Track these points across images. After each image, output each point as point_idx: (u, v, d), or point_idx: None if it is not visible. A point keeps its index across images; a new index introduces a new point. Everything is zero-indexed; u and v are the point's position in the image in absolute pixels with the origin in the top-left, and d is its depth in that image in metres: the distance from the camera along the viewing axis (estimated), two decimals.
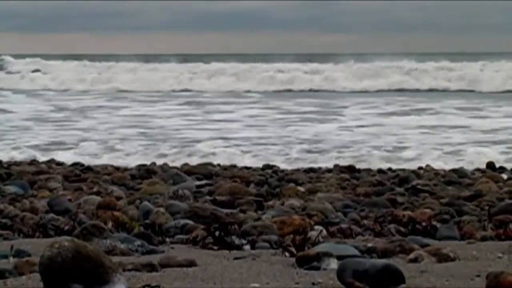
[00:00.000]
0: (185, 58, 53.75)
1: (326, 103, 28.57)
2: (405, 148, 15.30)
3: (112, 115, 23.93)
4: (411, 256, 5.15)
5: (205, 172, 11.62)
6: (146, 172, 11.54)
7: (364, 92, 35.89)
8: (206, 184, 10.22)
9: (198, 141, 16.38)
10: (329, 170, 12.39)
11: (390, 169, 12.62)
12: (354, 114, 23.54)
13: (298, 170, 12.45)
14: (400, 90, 35.58)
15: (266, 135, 17.98)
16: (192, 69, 44.53)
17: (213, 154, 14.43)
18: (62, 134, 18.53)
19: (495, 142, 15.82)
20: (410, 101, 28.89)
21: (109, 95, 34.61)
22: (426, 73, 40.31)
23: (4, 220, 7.26)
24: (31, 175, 11.07)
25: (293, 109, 26.09)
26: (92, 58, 53.67)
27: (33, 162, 13.51)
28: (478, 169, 12.66)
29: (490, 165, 12.97)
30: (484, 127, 19.07)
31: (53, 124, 21.22)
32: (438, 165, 12.98)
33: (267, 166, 12.88)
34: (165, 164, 13.02)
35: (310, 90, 37.33)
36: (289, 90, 37.27)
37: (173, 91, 37.82)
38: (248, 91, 36.28)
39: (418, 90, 35.85)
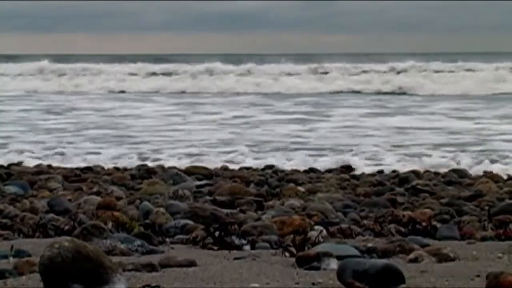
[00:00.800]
0: (185, 58, 53.75)
1: (320, 103, 28.72)
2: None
3: (92, 116, 23.94)
4: (411, 256, 5.16)
5: (205, 172, 11.62)
6: (146, 172, 11.54)
7: (363, 93, 35.74)
8: (206, 184, 10.22)
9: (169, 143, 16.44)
10: (329, 170, 12.39)
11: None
12: (343, 115, 23.53)
13: (298, 170, 12.44)
14: (392, 93, 35.31)
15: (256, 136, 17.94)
16: (191, 69, 44.51)
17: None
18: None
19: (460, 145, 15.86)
20: (402, 102, 28.96)
21: (104, 96, 34.64)
22: (425, 74, 40.21)
23: (4, 220, 7.26)
24: (31, 175, 11.08)
25: (285, 110, 26.16)
26: (92, 58, 53.63)
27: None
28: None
29: None
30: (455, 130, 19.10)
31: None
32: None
33: (267, 166, 12.88)
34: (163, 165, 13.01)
35: (313, 92, 37.16)
36: (287, 91, 37.06)
37: (171, 92, 37.64)
38: (245, 92, 36.19)
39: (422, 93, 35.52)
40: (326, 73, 41.89)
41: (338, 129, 19.24)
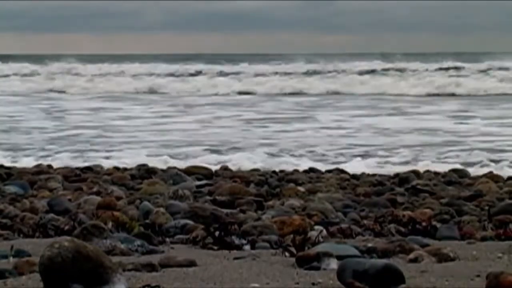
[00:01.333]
0: (185, 58, 53.74)
1: (310, 104, 28.78)
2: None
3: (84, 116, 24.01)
4: (411, 256, 5.16)
5: (205, 172, 11.62)
6: (146, 172, 11.54)
7: (358, 94, 35.49)
8: (206, 184, 10.21)
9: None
10: (329, 170, 12.40)
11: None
12: (330, 116, 23.55)
13: (297, 170, 12.45)
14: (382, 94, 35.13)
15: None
16: (191, 70, 44.50)
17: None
18: None
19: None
20: (396, 103, 28.97)
21: (103, 96, 34.64)
22: (423, 75, 40.12)
23: (4, 220, 7.26)
24: (31, 175, 11.07)
25: (274, 110, 26.23)
26: (91, 58, 53.62)
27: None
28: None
29: None
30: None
31: None
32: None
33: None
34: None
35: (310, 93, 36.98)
36: (285, 91, 36.90)
37: (170, 92, 37.49)
38: (243, 93, 36.12)
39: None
40: (324, 73, 41.84)
41: (320, 130, 19.30)
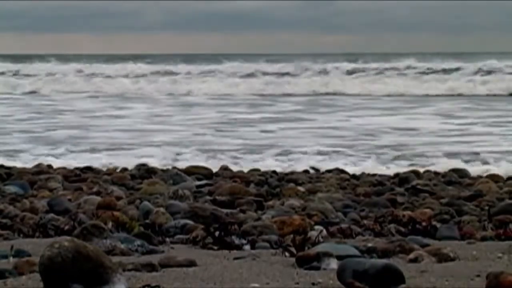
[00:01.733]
0: (184, 58, 53.70)
1: (307, 104, 28.77)
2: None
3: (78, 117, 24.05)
4: (411, 256, 5.16)
5: (205, 172, 11.63)
6: (146, 172, 11.54)
7: (356, 95, 35.34)
8: (206, 184, 10.22)
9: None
10: (329, 170, 12.40)
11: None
12: (323, 117, 23.55)
13: (297, 170, 12.45)
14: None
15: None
16: (191, 70, 44.44)
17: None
18: None
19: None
20: (391, 103, 28.93)
21: (101, 97, 34.64)
22: (422, 75, 40.03)
23: (4, 220, 7.26)
24: (31, 175, 11.07)
25: (272, 110, 26.22)
26: (92, 58, 53.59)
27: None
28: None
29: None
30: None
31: None
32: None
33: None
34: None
35: (311, 93, 36.83)
36: (283, 92, 36.79)
37: (172, 94, 37.38)
38: (244, 94, 36.06)
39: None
40: (322, 73, 41.75)
41: (317, 130, 19.32)
